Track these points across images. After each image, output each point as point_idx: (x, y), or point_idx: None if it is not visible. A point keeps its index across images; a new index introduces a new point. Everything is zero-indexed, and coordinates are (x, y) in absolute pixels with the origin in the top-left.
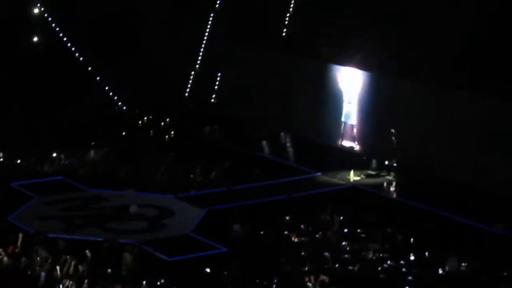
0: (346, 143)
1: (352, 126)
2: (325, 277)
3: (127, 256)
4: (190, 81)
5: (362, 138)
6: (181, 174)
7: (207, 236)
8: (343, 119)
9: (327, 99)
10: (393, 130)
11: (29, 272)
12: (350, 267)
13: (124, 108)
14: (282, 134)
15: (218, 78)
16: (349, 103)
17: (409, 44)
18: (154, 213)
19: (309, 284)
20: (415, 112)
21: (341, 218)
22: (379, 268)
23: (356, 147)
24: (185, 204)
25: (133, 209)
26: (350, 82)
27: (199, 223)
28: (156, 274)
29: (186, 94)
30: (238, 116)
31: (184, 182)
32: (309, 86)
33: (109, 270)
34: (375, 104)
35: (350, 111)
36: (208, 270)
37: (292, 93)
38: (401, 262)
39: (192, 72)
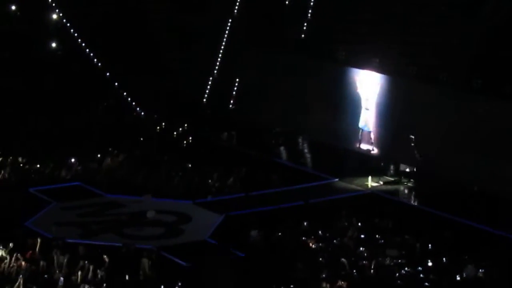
0: (364, 147)
1: (369, 132)
2: (342, 283)
3: (145, 262)
4: (208, 87)
5: (380, 142)
6: (199, 180)
7: (225, 242)
8: (360, 125)
9: (345, 103)
10: (412, 136)
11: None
12: (367, 273)
13: (142, 114)
14: (299, 139)
15: (236, 84)
16: (367, 109)
17: (427, 48)
18: (172, 219)
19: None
20: (433, 116)
21: (359, 224)
22: (397, 274)
23: (374, 151)
24: (202, 210)
25: (150, 214)
26: (368, 86)
27: (216, 228)
28: (174, 280)
29: (204, 100)
30: (255, 121)
31: (201, 188)
32: (326, 90)
33: (127, 276)
34: (392, 108)
35: (368, 118)
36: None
37: (309, 97)
38: (419, 268)
39: (210, 78)
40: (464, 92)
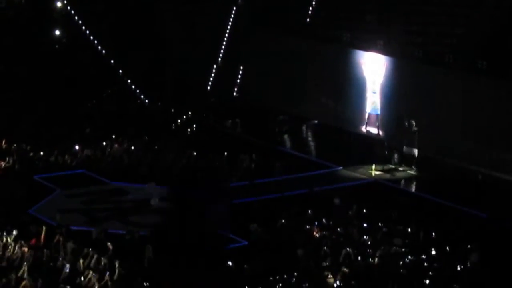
0: (369, 131)
1: (377, 115)
2: (346, 270)
3: (149, 249)
4: (212, 74)
5: (385, 126)
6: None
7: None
8: (367, 109)
9: (350, 87)
10: (413, 122)
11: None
12: (371, 261)
13: (146, 101)
14: (303, 127)
15: (241, 71)
16: (374, 92)
17: (434, 30)
18: None
19: (330, 279)
20: (439, 99)
21: (363, 212)
22: (401, 263)
23: (380, 135)
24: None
25: (154, 202)
26: (374, 68)
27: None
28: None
29: (208, 88)
30: (260, 107)
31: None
32: (332, 74)
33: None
34: (398, 91)
35: (375, 101)
36: (230, 263)
37: (314, 81)
38: (423, 257)
39: (214, 65)
40: (472, 74)
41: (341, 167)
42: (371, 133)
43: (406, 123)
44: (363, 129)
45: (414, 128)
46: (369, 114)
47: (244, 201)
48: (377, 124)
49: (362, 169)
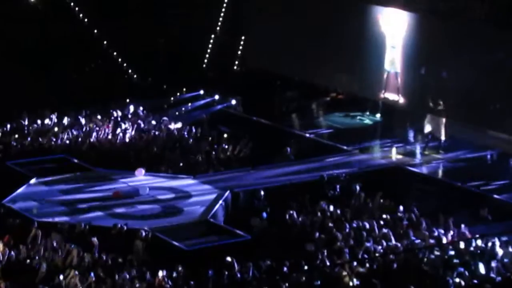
0: (389, 96)
1: (396, 74)
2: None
3: (139, 244)
4: (210, 46)
5: (406, 88)
6: (199, 152)
7: (228, 223)
8: (386, 67)
9: (368, 45)
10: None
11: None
12: (391, 257)
13: (135, 76)
14: (313, 106)
15: (242, 43)
16: (393, 47)
17: None
18: (168, 196)
19: (345, 277)
20: (465, 57)
21: (382, 201)
22: (425, 259)
23: (400, 100)
24: (203, 186)
25: (144, 191)
26: (393, 24)
27: (219, 207)
28: (171, 264)
29: (205, 61)
30: (266, 79)
31: (202, 161)
32: (346, 33)
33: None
34: (420, 49)
35: (394, 57)
36: (229, 259)
37: (327, 40)
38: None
39: (212, 36)
40: (501, 28)
41: (356, 150)
42: (388, 100)
43: (431, 103)
44: (381, 94)
45: (440, 107)
46: (388, 73)
47: (247, 189)
48: (397, 86)
49: (380, 152)
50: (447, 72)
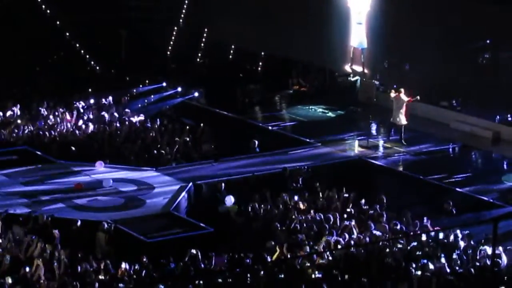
0: (355, 69)
1: (362, 50)
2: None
3: (101, 236)
4: (173, 38)
5: (371, 63)
6: (161, 144)
7: (191, 215)
8: (352, 43)
9: (333, 19)
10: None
11: None
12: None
13: (98, 68)
14: (276, 98)
15: (205, 34)
16: (359, 23)
17: None
18: (131, 188)
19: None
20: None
21: (345, 194)
22: (387, 250)
23: (366, 73)
24: (165, 178)
25: (106, 183)
26: (360, 1)
27: (182, 199)
28: (134, 257)
29: (168, 53)
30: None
31: (164, 153)
32: (311, 6)
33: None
34: (385, 24)
35: (361, 34)
36: (193, 251)
37: (290, 15)
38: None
39: (175, 28)
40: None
41: (319, 144)
42: (354, 71)
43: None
44: (347, 68)
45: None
46: (353, 47)
47: (209, 181)
48: (362, 60)
49: (343, 145)
50: (413, 49)
